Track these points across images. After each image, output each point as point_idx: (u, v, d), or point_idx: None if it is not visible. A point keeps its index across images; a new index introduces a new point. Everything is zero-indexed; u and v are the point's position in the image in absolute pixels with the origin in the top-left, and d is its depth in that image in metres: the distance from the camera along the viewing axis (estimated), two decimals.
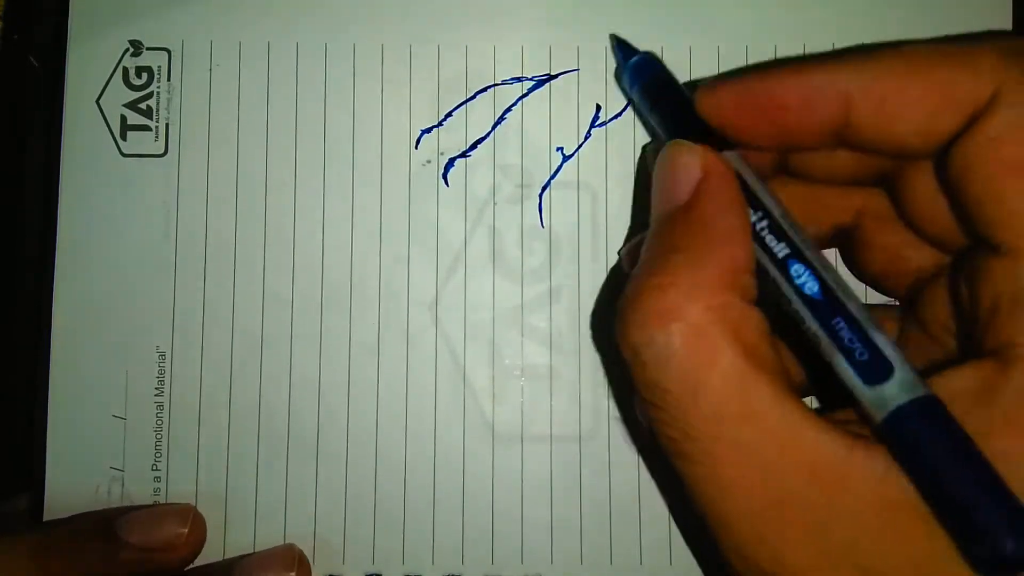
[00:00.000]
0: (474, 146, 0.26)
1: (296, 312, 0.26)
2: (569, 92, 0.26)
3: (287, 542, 0.25)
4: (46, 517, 0.25)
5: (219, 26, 0.26)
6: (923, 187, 0.20)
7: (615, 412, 0.26)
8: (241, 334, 0.26)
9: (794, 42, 0.26)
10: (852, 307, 0.17)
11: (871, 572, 0.16)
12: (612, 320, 0.26)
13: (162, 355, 0.26)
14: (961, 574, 0.16)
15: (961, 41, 0.18)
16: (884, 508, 0.16)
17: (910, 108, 0.18)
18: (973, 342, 0.18)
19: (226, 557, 0.25)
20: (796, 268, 0.18)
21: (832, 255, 0.24)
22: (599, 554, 0.25)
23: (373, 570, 0.25)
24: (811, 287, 0.18)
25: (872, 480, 0.16)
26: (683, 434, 0.17)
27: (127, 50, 0.26)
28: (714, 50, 0.26)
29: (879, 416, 0.16)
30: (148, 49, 0.26)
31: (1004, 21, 0.26)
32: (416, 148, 0.26)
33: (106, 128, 0.26)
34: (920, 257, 0.21)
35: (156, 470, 0.26)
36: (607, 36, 0.26)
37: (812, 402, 0.24)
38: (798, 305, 0.18)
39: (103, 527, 0.24)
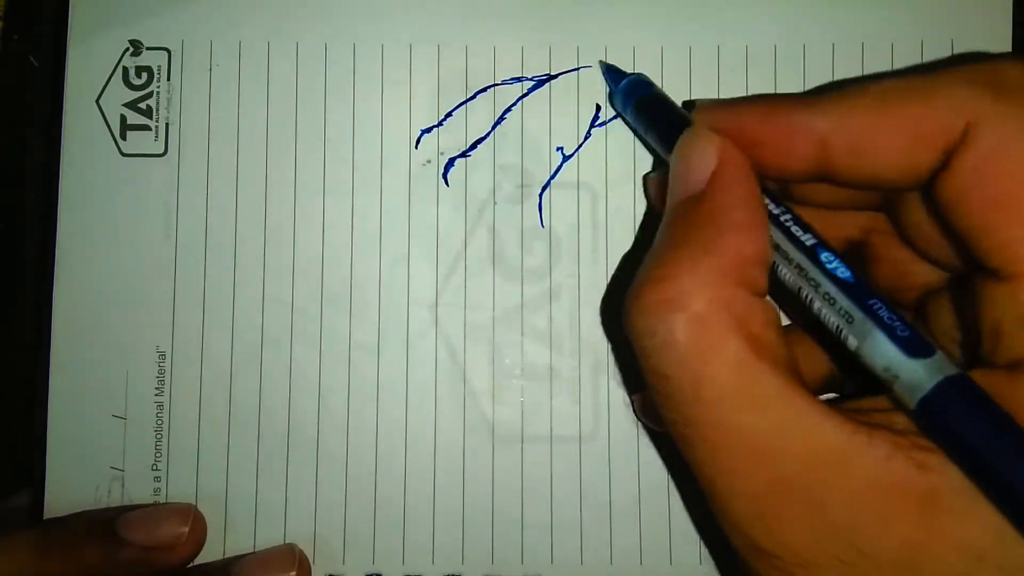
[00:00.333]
0: (474, 146, 0.26)
1: (296, 312, 0.26)
2: (569, 92, 0.26)
3: (287, 542, 0.25)
4: (46, 517, 0.25)
5: (219, 26, 0.26)
6: (918, 215, 0.20)
7: (616, 407, 0.26)
8: (241, 334, 0.26)
9: (794, 42, 0.26)
10: (883, 293, 0.18)
11: (868, 553, 0.16)
12: (612, 320, 0.26)
13: (162, 355, 0.26)
14: (955, 556, 0.16)
15: (935, 69, 0.18)
16: (884, 491, 0.16)
17: (883, 148, 0.18)
18: (979, 355, 0.18)
19: (226, 557, 0.25)
20: (826, 255, 0.18)
21: None
22: (599, 554, 0.25)
23: (373, 570, 0.25)
24: (843, 272, 0.18)
25: (873, 464, 0.16)
26: (685, 419, 0.17)
27: (127, 50, 0.26)
28: (714, 50, 0.26)
29: (924, 388, 0.16)
30: (148, 49, 0.26)
31: (1004, 21, 0.26)
32: (416, 148, 0.26)
33: (106, 128, 0.26)
34: (926, 272, 0.21)
35: (156, 470, 0.26)
36: (607, 36, 0.26)
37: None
38: (829, 288, 0.18)
39: (103, 526, 0.24)
